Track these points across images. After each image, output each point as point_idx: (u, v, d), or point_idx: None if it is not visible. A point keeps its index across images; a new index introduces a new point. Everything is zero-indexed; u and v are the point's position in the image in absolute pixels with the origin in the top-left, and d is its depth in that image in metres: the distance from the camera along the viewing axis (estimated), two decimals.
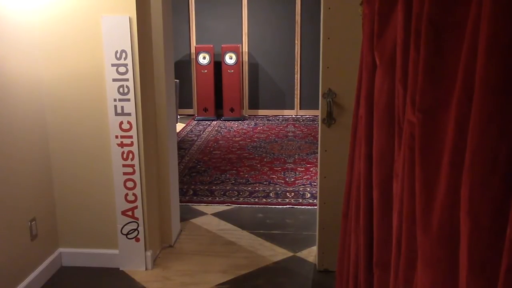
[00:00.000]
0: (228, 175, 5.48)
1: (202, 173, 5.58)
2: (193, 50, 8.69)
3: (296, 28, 8.53)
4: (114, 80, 3.15)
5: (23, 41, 3.03)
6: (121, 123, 3.21)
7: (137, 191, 3.29)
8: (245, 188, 5.05)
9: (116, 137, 3.23)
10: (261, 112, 8.87)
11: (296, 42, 8.57)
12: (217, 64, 8.47)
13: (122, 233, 3.36)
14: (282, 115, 8.78)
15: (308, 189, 5.01)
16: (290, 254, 3.67)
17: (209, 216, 4.38)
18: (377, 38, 1.51)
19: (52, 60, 3.20)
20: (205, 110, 8.55)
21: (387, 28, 1.46)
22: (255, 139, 7.20)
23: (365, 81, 1.66)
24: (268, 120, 8.52)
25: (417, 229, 1.18)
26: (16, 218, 3.01)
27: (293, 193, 4.89)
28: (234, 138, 7.25)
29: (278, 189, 5.02)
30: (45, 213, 3.32)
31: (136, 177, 3.27)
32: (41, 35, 3.16)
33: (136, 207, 3.31)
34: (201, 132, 7.64)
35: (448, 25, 1.07)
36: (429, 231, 1.11)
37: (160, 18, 3.37)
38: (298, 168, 5.71)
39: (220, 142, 7.06)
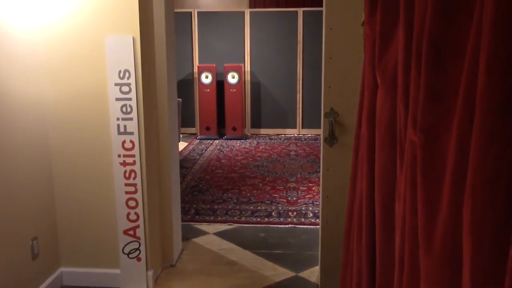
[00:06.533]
0: (230, 194, 5.47)
1: (204, 192, 5.57)
2: (195, 69, 8.75)
3: (298, 48, 8.60)
4: (117, 99, 3.17)
5: (27, 59, 3.06)
6: (124, 142, 3.21)
7: (139, 210, 3.29)
8: (247, 207, 5.03)
9: (119, 156, 3.23)
10: (263, 131, 8.90)
11: (298, 61, 8.63)
12: (220, 83, 8.52)
13: (123, 253, 3.34)
14: (284, 134, 8.79)
15: (311, 208, 4.99)
16: (292, 274, 3.64)
17: (211, 236, 4.36)
18: (378, 58, 1.52)
19: (55, 79, 3.22)
20: (208, 129, 8.58)
21: (389, 48, 1.47)
22: (257, 158, 7.20)
23: (366, 101, 1.67)
24: (270, 139, 8.53)
25: (420, 249, 1.17)
26: (18, 237, 3.00)
27: (295, 212, 4.87)
28: (236, 157, 7.26)
29: (280, 208, 5.00)
30: (47, 232, 3.31)
31: (138, 196, 3.27)
32: (45, 54, 3.19)
33: (138, 226, 3.30)
34: (203, 151, 7.65)
35: (448, 45, 1.08)
36: (431, 251, 1.11)
37: (163, 38, 3.40)
38: (301, 187, 5.70)
39: (222, 161, 7.06)
